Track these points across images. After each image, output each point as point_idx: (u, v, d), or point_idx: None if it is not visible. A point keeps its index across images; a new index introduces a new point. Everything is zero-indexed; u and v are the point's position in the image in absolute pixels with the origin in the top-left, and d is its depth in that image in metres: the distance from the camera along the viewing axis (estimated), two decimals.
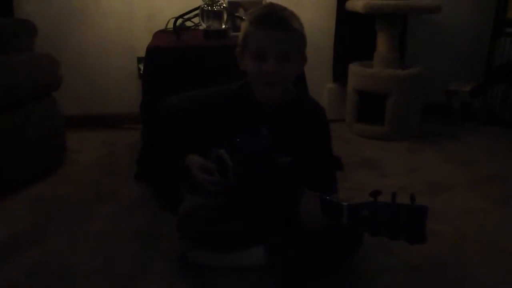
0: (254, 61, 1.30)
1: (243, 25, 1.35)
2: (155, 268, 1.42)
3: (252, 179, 1.29)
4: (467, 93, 2.81)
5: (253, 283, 1.34)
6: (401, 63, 2.67)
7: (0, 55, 1.99)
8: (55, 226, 1.67)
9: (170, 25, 2.26)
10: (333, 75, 2.90)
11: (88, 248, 1.53)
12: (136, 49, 2.69)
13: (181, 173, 1.34)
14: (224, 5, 2.08)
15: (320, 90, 2.85)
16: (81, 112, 2.80)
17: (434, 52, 2.94)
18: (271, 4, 1.39)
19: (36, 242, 1.56)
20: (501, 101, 2.86)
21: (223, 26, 2.07)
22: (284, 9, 1.33)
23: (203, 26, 2.09)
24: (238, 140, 1.30)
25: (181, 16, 2.17)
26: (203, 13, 2.06)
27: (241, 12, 2.39)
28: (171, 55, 1.90)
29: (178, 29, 2.10)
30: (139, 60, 2.70)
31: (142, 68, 2.50)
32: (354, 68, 2.66)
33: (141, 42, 2.41)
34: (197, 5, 2.11)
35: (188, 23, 2.28)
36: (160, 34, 2.32)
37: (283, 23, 1.27)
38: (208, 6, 2.04)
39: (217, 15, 2.06)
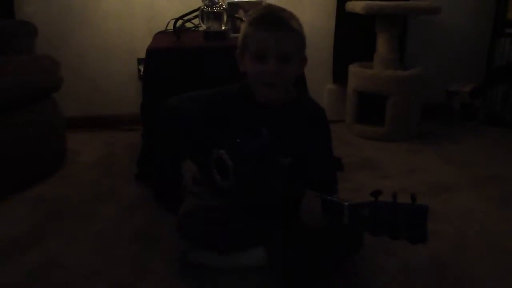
0: (254, 63, 1.30)
1: (242, 27, 1.36)
2: (155, 269, 1.42)
3: (253, 180, 1.29)
4: (467, 94, 2.82)
5: (253, 283, 1.34)
6: (401, 64, 2.67)
7: (0, 56, 1.99)
8: (56, 227, 1.68)
9: (170, 27, 2.26)
10: (333, 76, 2.90)
11: (88, 249, 1.54)
12: (136, 51, 2.69)
13: (181, 173, 1.35)
14: (224, 6, 2.09)
15: (320, 91, 2.86)
16: (81, 113, 2.80)
17: (434, 53, 2.95)
18: (270, 5, 1.39)
19: (36, 243, 1.57)
20: (501, 102, 2.86)
21: (223, 28, 2.08)
22: (283, 10, 1.33)
23: (203, 27, 2.09)
24: (238, 140, 1.30)
25: (181, 17, 2.18)
26: (203, 14, 2.06)
27: (241, 14, 2.40)
28: (171, 56, 1.90)
29: (178, 31, 2.10)
30: (139, 61, 2.71)
31: (142, 69, 2.50)
32: (354, 69, 2.66)
33: (141, 44, 2.41)
34: (197, 7, 2.11)
35: (188, 25, 2.28)
36: (160, 35, 2.32)
37: (282, 24, 1.27)
38: (208, 7, 2.04)
39: (217, 17, 2.06)
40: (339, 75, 2.84)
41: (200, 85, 1.45)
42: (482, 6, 2.89)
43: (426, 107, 2.73)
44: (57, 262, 1.46)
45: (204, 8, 2.05)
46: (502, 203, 1.84)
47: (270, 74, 1.28)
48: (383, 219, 1.03)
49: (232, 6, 2.41)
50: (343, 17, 2.74)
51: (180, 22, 2.17)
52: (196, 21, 2.23)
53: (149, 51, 1.90)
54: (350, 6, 2.61)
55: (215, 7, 2.05)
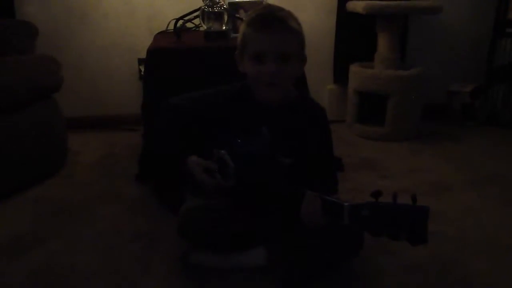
0: (253, 63, 1.30)
1: (241, 28, 1.36)
2: (156, 269, 1.42)
3: (253, 180, 1.29)
4: (467, 94, 2.81)
5: (253, 283, 1.34)
6: (401, 64, 2.67)
7: (1, 56, 1.99)
8: (57, 227, 1.68)
9: (171, 27, 2.27)
10: (333, 76, 2.90)
11: (89, 249, 1.54)
12: (137, 51, 2.69)
13: (182, 174, 1.35)
14: (225, 6, 2.09)
15: (321, 91, 2.86)
16: (82, 114, 2.80)
17: (434, 53, 2.94)
18: (269, 5, 1.39)
19: (37, 243, 1.57)
20: (501, 102, 2.86)
21: (224, 28, 2.08)
22: (282, 9, 1.33)
23: (204, 27, 2.09)
24: (239, 141, 1.30)
25: (182, 17, 2.18)
26: (204, 14, 2.06)
27: (241, 13, 2.40)
28: (171, 57, 1.91)
29: (179, 31, 2.10)
30: (140, 61, 2.71)
31: (143, 69, 2.50)
32: (354, 69, 2.66)
33: (142, 44, 2.41)
34: (197, 7, 2.11)
35: (189, 25, 2.29)
36: (160, 35, 2.32)
37: (280, 24, 1.27)
38: (208, 7, 2.04)
39: (218, 17, 2.06)
40: (340, 75, 2.84)
41: (201, 85, 1.45)
42: (482, 6, 2.89)
43: (427, 107, 2.73)
44: (57, 262, 1.46)
45: (205, 8, 2.05)
46: (502, 202, 1.84)
47: (269, 74, 1.28)
48: (383, 220, 1.03)
49: (233, 6, 2.41)
50: (343, 17, 2.74)
51: (180, 22, 2.18)
52: (196, 21, 2.24)
53: (150, 51, 1.90)
54: (351, 6, 2.61)
55: (216, 7, 2.05)
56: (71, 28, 2.69)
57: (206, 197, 1.37)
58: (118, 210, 1.79)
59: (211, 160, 1.31)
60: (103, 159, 2.33)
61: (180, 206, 1.43)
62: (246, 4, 2.45)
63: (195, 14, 2.18)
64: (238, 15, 2.35)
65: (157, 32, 2.43)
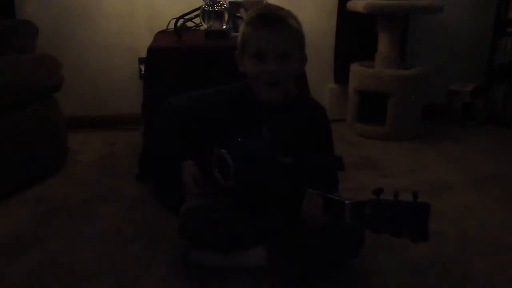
0: (253, 62, 1.30)
1: (241, 27, 1.36)
2: (156, 268, 1.42)
3: (253, 180, 1.29)
4: (468, 93, 2.81)
5: (254, 283, 1.34)
6: (402, 63, 2.67)
7: (1, 55, 1.99)
8: (57, 227, 1.68)
9: (171, 26, 2.26)
10: (334, 75, 2.90)
11: (89, 249, 1.53)
12: (137, 50, 2.69)
13: (182, 173, 1.35)
14: (225, 5, 2.08)
15: (321, 90, 2.85)
16: (83, 113, 2.80)
17: (435, 52, 2.94)
18: (268, 4, 1.40)
19: (37, 242, 1.57)
20: (502, 102, 2.85)
21: (224, 27, 2.08)
22: (281, 8, 1.33)
23: (204, 26, 2.09)
24: (239, 140, 1.30)
25: (182, 16, 2.18)
26: (204, 13, 2.06)
27: (242, 13, 2.40)
28: (172, 56, 1.91)
29: (179, 30, 2.10)
30: (140, 60, 2.70)
31: (143, 68, 2.50)
32: (355, 68, 2.66)
33: (142, 43, 2.41)
34: (198, 6, 2.11)
35: (189, 24, 2.29)
36: (161, 34, 2.32)
37: (280, 22, 1.27)
38: (209, 6, 2.04)
39: (218, 16, 2.06)
40: (340, 75, 2.84)
41: (201, 85, 1.45)
42: (483, 5, 2.89)
43: (427, 106, 2.72)
44: (57, 261, 1.46)
45: (205, 7, 2.05)
46: (503, 202, 1.84)
47: (269, 74, 1.28)
48: (384, 217, 1.03)
49: (233, 5, 2.41)
50: (344, 16, 2.74)
51: (181, 21, 2.18)
52: (197, 20, 2.24)
53: (150, 50, 1.90)
54: (351, 5, 2.61)
55: (216, 6, 2.05)
56: (71, 28, 2.69)
57: (205, 197, 1.37)
58: (118, 210, 1.79)
59: (211, 159, 1.31)
60: (103, 159, 2.33)
61: (180, 206, 1.43)
62: (246, 3, 2.45)
63: (195, 13, 2.18)
64: (238, 14, 2.35)
65: (157, 31, 2.42)
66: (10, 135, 1.91)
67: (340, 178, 1.45)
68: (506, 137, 2.63)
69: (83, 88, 2.78)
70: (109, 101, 2.82)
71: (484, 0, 2.89)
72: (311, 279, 1.33)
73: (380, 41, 2.61)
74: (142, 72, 2.59)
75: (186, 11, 2.19)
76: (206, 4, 2.05)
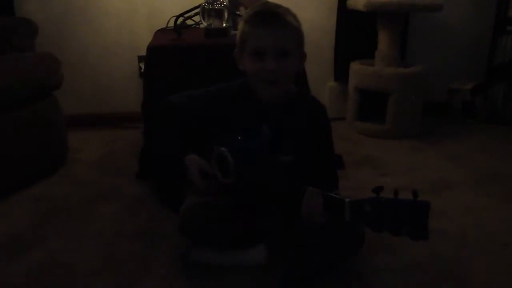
0: (252, 60, 1.30)
1: (239, 26, 1.36)
2: (157, 267, 1.42)
3: (253, 178, 1.29)
4: (468, 92, 2.81)
5: (254, 282, 1.34)
6: (402, 62, 2.66)
7: (1, 54, 1.99)
8: (56, 225, 1.68)
9: (171, 24, 2.26)
10: (334, 73, 2.90)
11: (89, 247, 1.53)
12: (137, 48, 2.69)
13: (182, 172, 1.34)
14: (225, 3, 2.08)
15: (321, 89, 2.85)
16: (83, 111, 2.80)
17: (435, 51, 2.94)
18: (267, 2, 1.39)
19: (37, 241, 1.56)
20: (502, 100, 2.85)
21: (224, 25, 2.07)
22: (279, 6, 1.33)
23: (204, 24, 2.09)
24: (239, 138, 1.30)
25: (182, 14, 2.17)
26: (204, 11, 2.06)
27: (242, 11, 2.39)
28: (172, 54, 1.90)
29: (179, 28, 2.10)
30: (140, 59, 2.70)
31: (143, 67, 2.50)
32: (355, 67, 2.66)
33: (142, 41, 2.41)
34: (197, 4, 2.11)
35: (189, 22, 2.28)
36: (161, 32, 2.32)
37: (278, 20, 1.27)
38: (209, 4, 2.04)
39: (218, 14, 2.06)
40: (341, 73, 2.84)
41: (201, 83, 1.45)
42: (483, 4, 2.89)
43: (427, 105, 2.72)
44: (58, 260, 1.46)
45: (205, 5, 2.05)
46: (503, 200, 1.84)
47: (269, 71, 1.28)
48: (384, 215, 1.03)
49: (233, 3, 2.40)
50: (344, 14, 2.73)
51: (181, 19, 2.17)
52: (197, 18, 2.23)
53: (150, 48, 1.90)
54: (352, 3, 2.61)
55: (216, 4, 2.04)
56: (71, 26, 2.68)
57: (206, 195, 1.37)
58: (118, 209, 1.79)
59: (211, 157, 1.31)
60: (103, 157, 2.33)
61: (180, 204, 1.43)
62: (246, 1, 2.43)
63: (195, 11, 2.17)
64: (238, 12, 2.35)
65: (157, 29, 2.42)
66: (10, 133, 1.90)
67: (340, 177, 1.46)
68: (506, 135, 2.63)
69: (83, 87, 2.77)
70: (109, 99, 2.82)
71: None
72: (311, 278, 1.33)
73: (380, 39, 2.61)
74: (142, 70, 2.60)
75: (186, 9, 2.18)
76: (206, 2, 2.05)
